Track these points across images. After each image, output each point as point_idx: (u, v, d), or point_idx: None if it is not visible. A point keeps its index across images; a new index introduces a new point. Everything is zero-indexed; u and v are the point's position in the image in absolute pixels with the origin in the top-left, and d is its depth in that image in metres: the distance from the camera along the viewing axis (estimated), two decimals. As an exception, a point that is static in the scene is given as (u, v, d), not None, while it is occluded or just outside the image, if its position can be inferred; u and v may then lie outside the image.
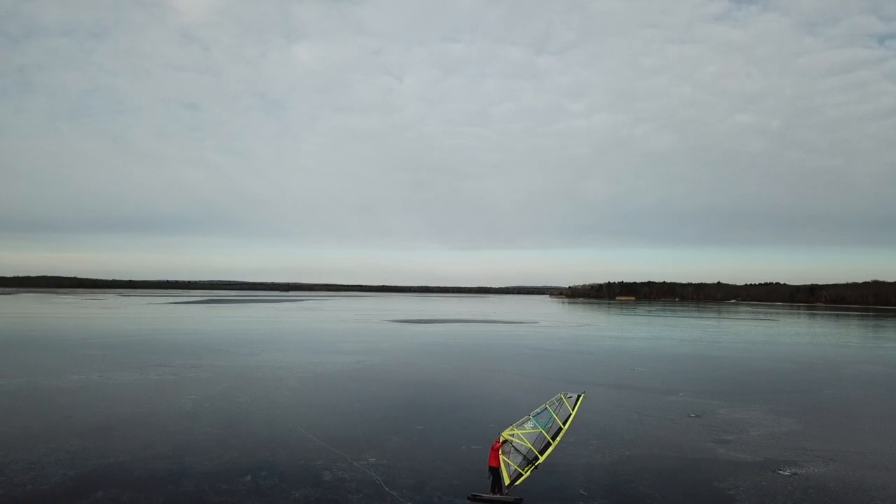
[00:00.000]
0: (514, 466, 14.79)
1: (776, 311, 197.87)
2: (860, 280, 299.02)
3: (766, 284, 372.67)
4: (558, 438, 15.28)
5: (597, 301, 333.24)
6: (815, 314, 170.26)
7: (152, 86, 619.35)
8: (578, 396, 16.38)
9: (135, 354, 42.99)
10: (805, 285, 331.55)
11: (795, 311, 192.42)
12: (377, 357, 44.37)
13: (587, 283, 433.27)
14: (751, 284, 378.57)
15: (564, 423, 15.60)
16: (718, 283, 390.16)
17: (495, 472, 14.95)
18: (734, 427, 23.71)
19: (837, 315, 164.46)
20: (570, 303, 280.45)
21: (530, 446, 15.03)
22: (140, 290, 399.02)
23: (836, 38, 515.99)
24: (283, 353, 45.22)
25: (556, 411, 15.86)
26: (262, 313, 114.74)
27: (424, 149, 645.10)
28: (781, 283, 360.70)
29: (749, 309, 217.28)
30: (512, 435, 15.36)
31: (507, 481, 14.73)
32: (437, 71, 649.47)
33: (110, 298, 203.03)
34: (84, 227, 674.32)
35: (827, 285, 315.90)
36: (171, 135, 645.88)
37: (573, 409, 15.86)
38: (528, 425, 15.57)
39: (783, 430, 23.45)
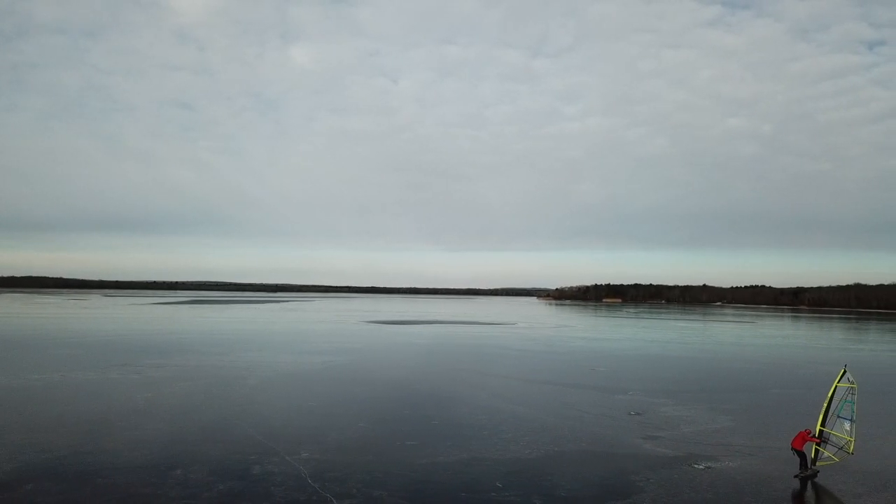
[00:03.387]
0: (827, 453, 17.76)
1: (759, 313, 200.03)
2: (845, 283, 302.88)
3: (751, 287, 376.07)
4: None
5: (583, 303, 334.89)
6: (795, 317, 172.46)
7: (147, 85, 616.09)
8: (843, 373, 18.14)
9: (103, 354, 43.35)
10: (790, 288, 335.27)
11: (777, 314, 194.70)
12: (344, 357, 44.98)
13: (579, 284, 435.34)
14: (737, 287, 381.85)
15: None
16: (704, 285, 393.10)
17: (799, 453, 17.86)
18: (669, 424, 24.55)
19: (818, 317, 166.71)
20: (556, 305, 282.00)
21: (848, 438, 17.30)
22: (126, 291, 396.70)
23: (828, 44, 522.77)
24: (252, 353, 45.73)
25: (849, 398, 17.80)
26: (243, 314, 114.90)
27: (419, 150, 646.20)
28: (768, 286, 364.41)
29: (733, 311, 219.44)
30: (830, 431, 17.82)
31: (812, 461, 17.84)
32: (434, 73, 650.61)
33: (94, 299, 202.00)
34: (75, 227, 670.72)
35: (811, 288, 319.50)
36: (165, 134, 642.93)
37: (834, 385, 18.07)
38: (847, 425, 17.48)
39: (715, 426, 24.32)
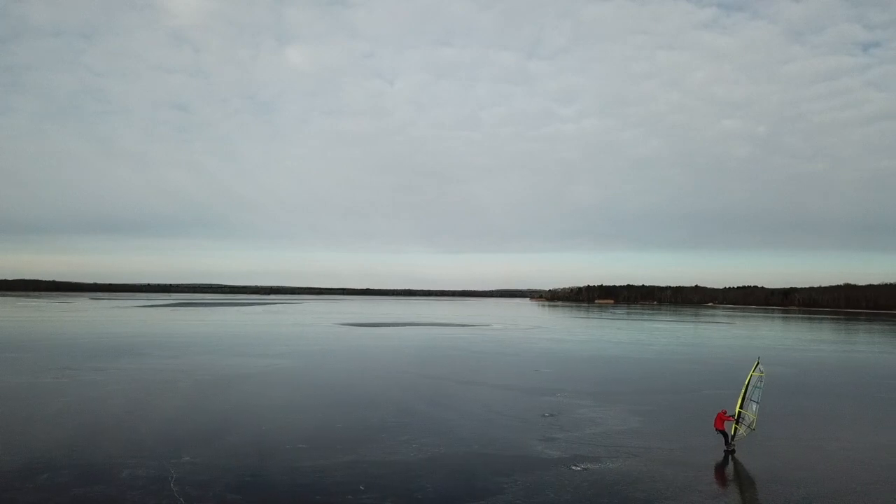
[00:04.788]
0: (741, 431, 20.70)
1: (747, 314, 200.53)
2: (835, 283, 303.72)
3: (743, 288, 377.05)
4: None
5: (575, 304, 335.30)
6: (780, 317, 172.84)
7: (141, 87, 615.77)
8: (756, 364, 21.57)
9: (48, 358, 43.32)
10: (780, 289, 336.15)
11: (765, 315, 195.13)
12: (293, 360, 44.99)
13: (573, 286, 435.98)
14: (728, 288, 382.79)
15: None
16: (696, 286, 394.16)
17: (722, 433, 20.85)
18: (577, 426, 24.62)
19: (802, 318, 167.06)
20: (548, 306, 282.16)
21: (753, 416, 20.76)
22: (115, 294, 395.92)
23: (822, 46, 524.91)
24: (202, 357, 45.73)
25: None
26: (219, 317, 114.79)
27: (413, 152, 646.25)
28: (760, 286, 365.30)
29: (722, 312, 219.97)
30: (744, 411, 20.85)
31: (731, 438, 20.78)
32: (429, 75, 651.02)
33: (79, 302, 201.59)
34: (69, 229, 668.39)
35: (802, 288, 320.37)
36: (159, 136, 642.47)
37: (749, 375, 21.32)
38: (754, 407, 20.80)
39: (622, 428, 24.41)
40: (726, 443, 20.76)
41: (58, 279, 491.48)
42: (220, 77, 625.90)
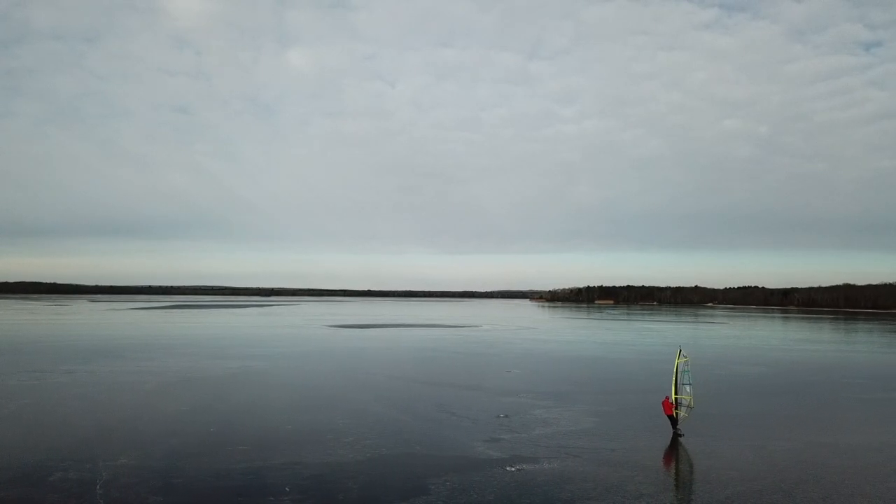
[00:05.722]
0: (682, 413, 23.31)
1: (746, 314, 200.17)
2: (836, 283, 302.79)
3: (743, 288, 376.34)
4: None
5: (575, 305, 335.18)
6: (779, 317, 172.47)
7: (143, 90, 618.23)
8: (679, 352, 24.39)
9: (25, 361, 43.45)
10: (780, 289, 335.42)
11: (763, 315, 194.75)
12: (267, 362, 45.01)
13: (574, 286, 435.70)
14: (729, 288, 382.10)
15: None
16: (696, 286, 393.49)
17: (670, 417, 23.39)
18: (526, 427, 24.57)
19: (799, 318, 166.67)
20: (547, 307, 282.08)
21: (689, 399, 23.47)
22: (116, 296, 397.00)
23: (824, 46, 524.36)
24: (177, 359, 45.78)
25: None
26: (212, 319, 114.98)
27: (415, 153, 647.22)
28: (761, 286, 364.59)
29: (721, 312, 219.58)
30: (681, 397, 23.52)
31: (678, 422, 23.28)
32: (430, 76, 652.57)
33: (76, 304, 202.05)
34: (71, 232, 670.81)
35: (801, 288, 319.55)
36: (161, 139, 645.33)
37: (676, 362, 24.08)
38: (688, 389, 23.53)
39: (572, 429, 24.37)
40: (674, 426, 23.27)
41: (59, 281, 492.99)
42: (222, 79, 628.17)
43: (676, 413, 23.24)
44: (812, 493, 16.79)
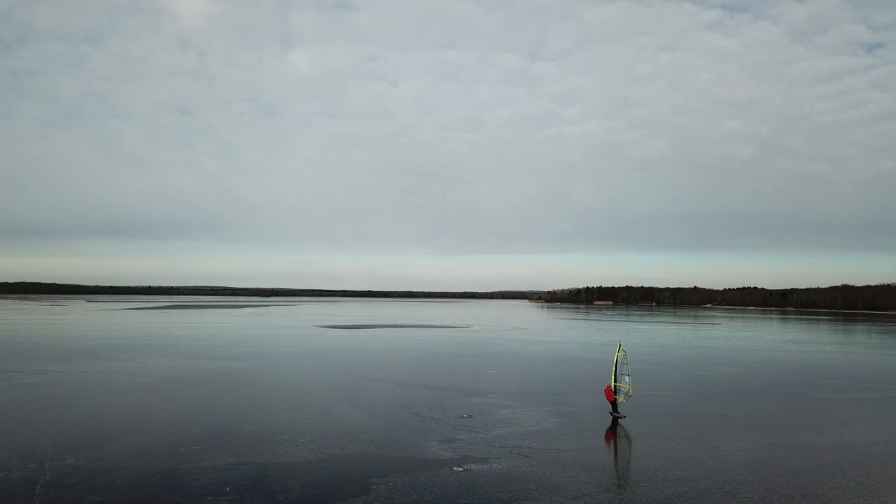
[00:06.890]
0: (621, 399, 26.19)
1: (744, 315, 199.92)
2: (835, 284, 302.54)
3: (742, 289, 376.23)
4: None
5: (574, 305, 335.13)
6: (776, 318, 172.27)
7: (145, 91, 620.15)
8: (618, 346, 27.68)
9: (0, 360, 43.47)
10: (779, 290, 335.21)
11: (762, 315, 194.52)
12: (244, 363, 45.00)
13: (575, 287, 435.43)
14: (728, 289, 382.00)
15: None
16: (695, 287, 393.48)
17: (612, 403, 26.29)
18: (487, 427, 24.52)
19: (798, 319, 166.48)
20: (546, 307, 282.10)
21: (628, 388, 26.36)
22: (116, 296, 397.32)
23: (826, 47, 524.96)
24: (155, 359, 45.80)
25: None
26: (204, 319, 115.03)
27: (417, 154, 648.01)
28: (761, 287, 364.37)
29: (719, 313, 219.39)
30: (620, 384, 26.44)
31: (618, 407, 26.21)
32: (432, 77, 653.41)
33: (73, 304, 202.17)
34: (73, 232, 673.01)
35: (800, 289, 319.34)
36: (163, 140, 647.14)
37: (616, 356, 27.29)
38: (627, 378, 26.31)
39: (532, 429, 24.31)
40: (614, 410, 26.22)
41: (60, 282, 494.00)
42: (224, 80, 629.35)
43: (616, 399, 26.30)
44: (753, 493, 16.73)
